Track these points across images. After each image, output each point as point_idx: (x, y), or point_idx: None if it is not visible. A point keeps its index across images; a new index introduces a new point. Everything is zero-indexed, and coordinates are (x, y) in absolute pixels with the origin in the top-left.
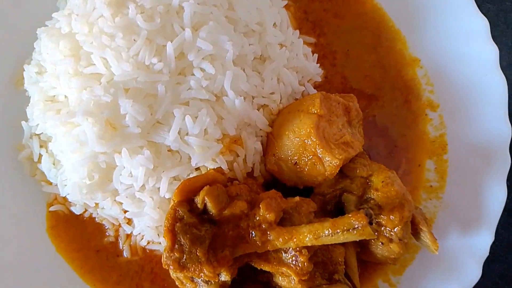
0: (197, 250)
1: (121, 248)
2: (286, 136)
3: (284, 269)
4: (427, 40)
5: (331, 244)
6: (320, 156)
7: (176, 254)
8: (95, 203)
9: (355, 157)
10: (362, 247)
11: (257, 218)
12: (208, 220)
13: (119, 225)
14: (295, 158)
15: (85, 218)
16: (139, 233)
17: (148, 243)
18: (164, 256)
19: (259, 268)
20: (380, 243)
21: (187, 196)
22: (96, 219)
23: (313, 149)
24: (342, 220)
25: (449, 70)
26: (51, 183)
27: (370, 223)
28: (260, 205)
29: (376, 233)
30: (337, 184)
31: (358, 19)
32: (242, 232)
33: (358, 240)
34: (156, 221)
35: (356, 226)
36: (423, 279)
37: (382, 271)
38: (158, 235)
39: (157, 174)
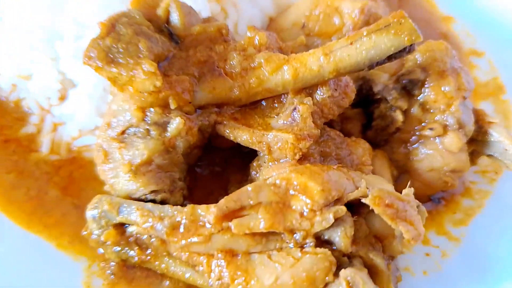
0: (140, 42)
1: (40, 142)
2: None
3: (271, 134)
4: None
5: (352, 140)
6: None
7: (108, 41)
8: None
9: None
10: (400, 172)
11: (241, 43)
12: (170, 37)
13: (48, 111)
14: None
15: (10, 105)
16: (69, 121)
17: (80, 136)
18: (89, 44)
19: (235, 141)
20: (428, 130)
21: (149, 8)
22: (23, 105)
23: None
24: (369, 27)
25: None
26: None
27: None
28: (247, 27)
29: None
30: None
31: None
32: (214, 58)
33: (393, 50)
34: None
35: (392, 20)
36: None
37: (433, 221)
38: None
39: None
